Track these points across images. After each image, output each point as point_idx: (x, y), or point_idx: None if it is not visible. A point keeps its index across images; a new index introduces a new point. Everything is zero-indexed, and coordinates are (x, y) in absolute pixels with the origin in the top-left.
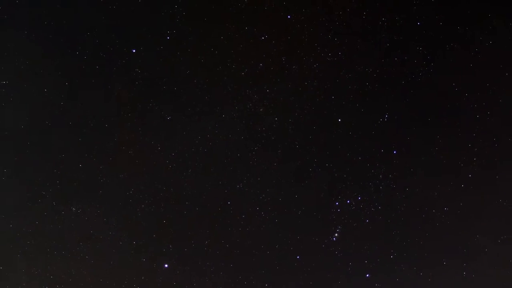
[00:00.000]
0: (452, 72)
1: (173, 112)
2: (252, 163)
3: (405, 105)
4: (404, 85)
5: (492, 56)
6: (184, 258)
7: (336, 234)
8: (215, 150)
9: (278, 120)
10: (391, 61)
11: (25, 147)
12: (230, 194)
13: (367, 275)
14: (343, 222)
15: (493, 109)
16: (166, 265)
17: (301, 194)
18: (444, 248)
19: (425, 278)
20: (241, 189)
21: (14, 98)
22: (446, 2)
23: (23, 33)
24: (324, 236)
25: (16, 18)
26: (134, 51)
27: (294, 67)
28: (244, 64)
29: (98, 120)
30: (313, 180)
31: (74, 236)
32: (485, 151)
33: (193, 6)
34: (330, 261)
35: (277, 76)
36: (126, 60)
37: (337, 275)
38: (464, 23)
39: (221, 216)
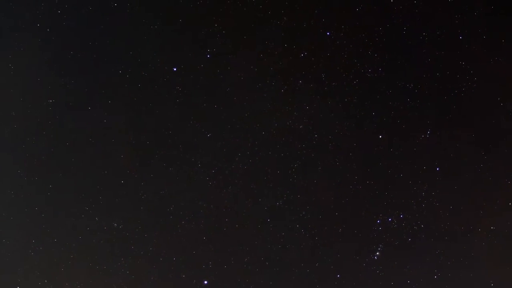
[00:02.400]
0: (496, 87)
1: (213, 129)
2: (292, 180)
3: (448, 121)
4: (447, 100)
5: None
6: (223, 275)
7: (377, 253)
8: (255, 167)
9: (318, 137)
10: (433, 76)
11: (69, 164)
12: (270, 211)
13: None
14: (384, 240)
15: None
16: (205, 282)
17: (342, 211)
18: (491, 268)
19: None
20: (280, 206)
21: (59, 117)
22: (488, 16)
23: (68, 51)
24: (365, 255)
25: (63, 38)
26: (175, 69)
27: (333, 83)
28: (283, 81)
29: (139, 138)
30: (354, 198)
31: (116, 251)
32: None
33: (232, 25)
34: (371, 280)
35: (316, 93)
36: (167, 78)
37: None
38: (507, 36)
39: (261, 233)
